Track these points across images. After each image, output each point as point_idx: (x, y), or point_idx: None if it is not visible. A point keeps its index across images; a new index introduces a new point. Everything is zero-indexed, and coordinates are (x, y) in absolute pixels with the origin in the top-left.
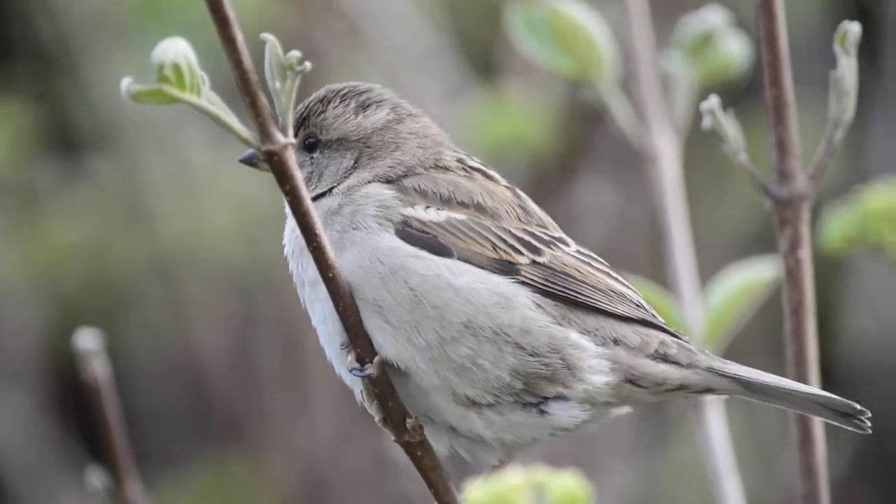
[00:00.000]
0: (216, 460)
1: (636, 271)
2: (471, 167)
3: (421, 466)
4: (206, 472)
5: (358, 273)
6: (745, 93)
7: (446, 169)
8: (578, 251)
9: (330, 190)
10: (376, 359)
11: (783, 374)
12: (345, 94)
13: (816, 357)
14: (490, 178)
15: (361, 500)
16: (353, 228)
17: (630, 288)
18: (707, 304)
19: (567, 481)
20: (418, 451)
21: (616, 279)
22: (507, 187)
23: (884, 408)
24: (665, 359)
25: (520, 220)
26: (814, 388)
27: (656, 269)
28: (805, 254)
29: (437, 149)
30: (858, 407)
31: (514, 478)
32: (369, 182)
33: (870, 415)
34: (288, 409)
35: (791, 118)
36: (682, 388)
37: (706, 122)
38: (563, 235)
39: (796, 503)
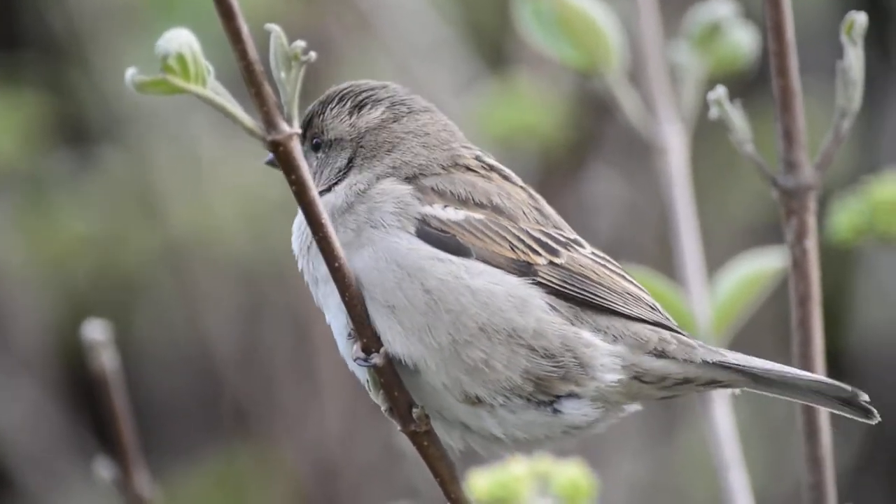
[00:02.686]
0: (226, 451)
1: (645, 262)
2: (489, 165)
3: (427, 456)
4: (216, 462)
5: (373, 274)
6: (753, 84)
7: (466, 168)
8: (594, 253)
9: (330, 188)
10: (382, 349)
11: (790, 365)
12: (344, 95)
13: (823, 347)
14: (506, 177)
15: (370, 490)
16: (372, 227)
17: (643, 290)
18: (715, 294)
19: (571, 472)
20: (424, 440)
21: (630, 281)
22: (522, 188)
23: (893, 398)
24: (664, 354)
25: (537, 221)
26: (815, 375)
27: (664, 260)
28: (811, 244)
29: (450, 146)
30: (859, 393)
31: (519, 468)
32: (380, 179)
33: (867, 398)
34: (298, 400)
35: (798, 108)
36: (686, 381)
37: (713, 113)
38: (578, 237)
39: (803, 493)
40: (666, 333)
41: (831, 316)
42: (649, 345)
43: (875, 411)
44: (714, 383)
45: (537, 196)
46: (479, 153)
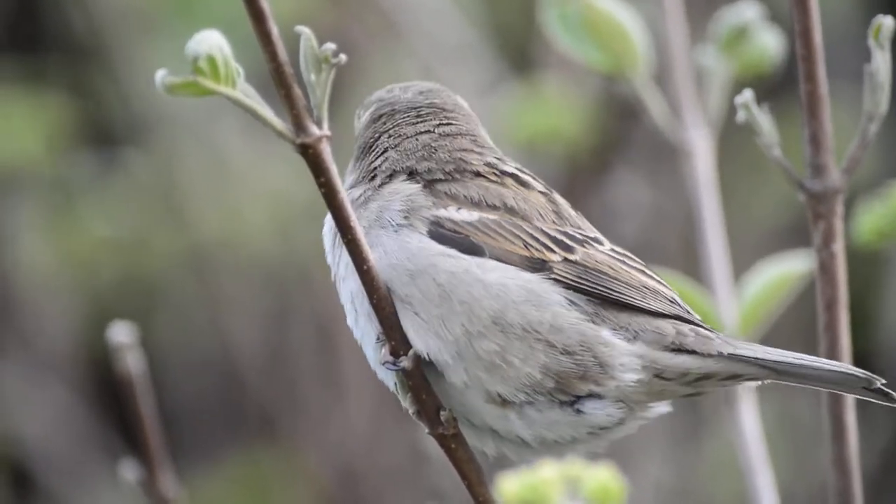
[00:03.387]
0: (250, 454)
1: (670, 265)
2: (503, 172)
3: (455, 459)
4: (240, 465)
5: (387, 270)
6: (780, 87)
7: (476, 174)
8: (612, 249)
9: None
10: (411, 352)
11: None
12: (367, 102)
13: (850, 351)
14: (523, 183)
15: (395, 493)
16: (381, 227)
17: (664, 284)
18: (741, 298)
19: (601, 475)
20: (452, 443)
21: (650, 276)
22: (541, 192)
23: None
24: (681, 349)
25: (553, 221)
26: (830, 362)
27: (690, 264)
28: (839, 248)
29: (453, 154)
30: (875, 378)
31: (549, 471)
32: (392, 178)
33: (883, 381)
34: (322, 404)
35: (825, 112)
36: (707, 377)
37: (740, 117)
38: (598, 235)
39: (829, 497)
40: (684, 327)
41: (858, 318)
42: (667, 339)
43: (893, 393)
44: (736, 377)
45: (559, 200)
46: (491, 160)
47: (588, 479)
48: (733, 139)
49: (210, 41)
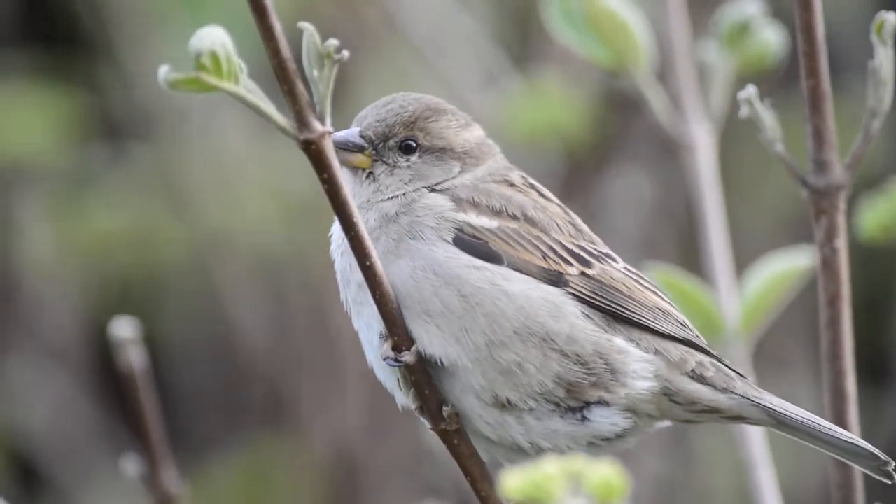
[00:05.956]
0: (253, 445)
1: (672, 261)
2: (530, 184)
3: (457, 454)
4: (243, 456)
5: (409, 284)
6: (782, 83)
7: (510, 184)
8: (626, 268)
9: (394, 196)
10: (413, 347)
11: (819, 366)
12: (446, 109)
13: (852, 347)
14: (543, 195)
15: (396, 487)
16: (411, 238)
17: (675, 307)
18: (743, 293)
19: (604, 470)
20: (455, 439)
21: (662, 297)
22: (558, 205)
23: None
24: (701, 379)
25: (570, 234)
26: (848, 434)
27: (692, 259)
28: (841, 243)
29: (506, 163)
30: (889, 461)
31: (551, 467)
32: (429, 192)
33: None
34: (324, 397)
35: (828, 108)
36: (714, 411)
37: (743, 112)
38: (611, 252)
39: (831, 491)
40: (703, 358)
41: (870, 316)
42: (686, 366)
43: None
44: (740, 419)
45: (572, 213)
46: (523, 173)
47: (591, 474)
48: (736, 135)
49: (213, 37)
